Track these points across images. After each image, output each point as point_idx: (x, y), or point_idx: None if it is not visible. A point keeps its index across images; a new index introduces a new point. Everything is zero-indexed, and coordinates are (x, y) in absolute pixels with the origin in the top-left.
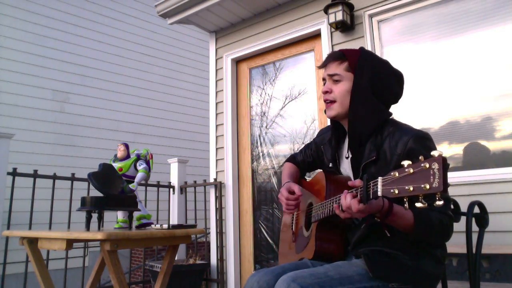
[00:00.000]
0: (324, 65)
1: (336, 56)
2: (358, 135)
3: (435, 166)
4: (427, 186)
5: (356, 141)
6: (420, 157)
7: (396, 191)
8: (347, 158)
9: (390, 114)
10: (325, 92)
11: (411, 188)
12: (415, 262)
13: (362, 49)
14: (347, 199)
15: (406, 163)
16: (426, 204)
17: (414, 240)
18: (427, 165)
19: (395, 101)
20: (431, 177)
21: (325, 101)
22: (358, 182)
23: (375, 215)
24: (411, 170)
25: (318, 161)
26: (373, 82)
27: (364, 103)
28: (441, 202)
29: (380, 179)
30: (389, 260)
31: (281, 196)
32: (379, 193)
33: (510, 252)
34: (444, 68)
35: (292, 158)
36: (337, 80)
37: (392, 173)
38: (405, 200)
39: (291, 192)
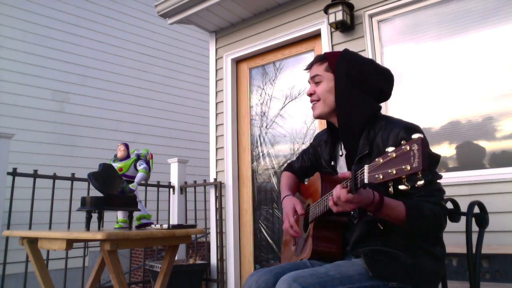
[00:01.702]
0: (309, 67)
1: (318, 58)
2: (349, 131)
3: (415, 147)
4: (408, 167)
5: (348, 137)
6: (402, 142)
7: (381, 176)
8: (340, 155)
9: (380, 107)
10: (310, 95)
11: (394, 171)
12: (414, 260)
13: (344, 50)
14: (337, 189)
15: (390, 149)
16: (409, 187)
17: (408, 232)
18: (408, 148)
19: (383, 96)
20: (411, 158)
21: (311, 102)
22: (348, 173)
23: (368, 209)
24: (394, 155)
25: (316, 164)
26: (351, 76)
27: (348, 98)
28: (421, 182)
29: (366, 166)
30: (388, 259)
31: (288, 226)
32: (366, 180)
33: (510, 252)
34: (445, 68)
35: (289, 167)
36: (318, 82)
37: (376, 160)
38: (389, 184)
39: (295, 213)
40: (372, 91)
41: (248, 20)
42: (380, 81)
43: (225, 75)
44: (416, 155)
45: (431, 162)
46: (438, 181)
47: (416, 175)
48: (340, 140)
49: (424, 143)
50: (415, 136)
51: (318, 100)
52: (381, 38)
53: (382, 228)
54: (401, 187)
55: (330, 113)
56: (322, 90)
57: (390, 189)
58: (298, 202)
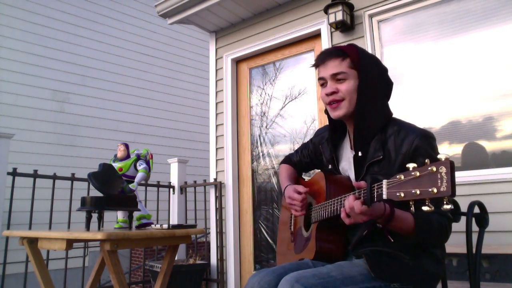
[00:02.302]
0: (321, 63)
1: (335, 54)
2: (365, 134)
3: (443, 169)
4: (435, 190)
5: (362, 139)
6: (426, 161)
7: (402, 195)
8: (359, 157)
9: (392, 112)
10: (332, 93)
11: (418, 192)
12: (415, 262)
13: (355, 45)
14: (350, 200)
15: (411, 165)
16: (433, 208)
17: (414, 242)
18: (434, 169)
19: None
20: (439, 181)
21: (331, 102)
22: (363, 183)
23: (377, 221)
24: (417, 174)
25: (316, 161)
26: (380, 79)
27: (373, 101)
28: (449, 206)
29: (385, 182)
30: (390, 260)
31: (291, 200)
32: (384, 196)
33: (510, 252)
34: (445, 68)
35: (287, 160)
36: (341, 79)
37: (397, 176)
38: (410, 203)
39: (298, 193)
40: (389, 92)
41: (248, 20)
42: (391, 80)
43: (225, 75)
44: (444, 179)
45: None
46: None
47: (443, 198)
48: (342, 139)
49: (453, 166)
50: (442, 156)
51: (342, 100)
52: (381, 38)
53: (392, 240)
54: (425, 208)
55: (351, 113)
56: (349, 89)
57: (411, 208)
58: (301, 186)
